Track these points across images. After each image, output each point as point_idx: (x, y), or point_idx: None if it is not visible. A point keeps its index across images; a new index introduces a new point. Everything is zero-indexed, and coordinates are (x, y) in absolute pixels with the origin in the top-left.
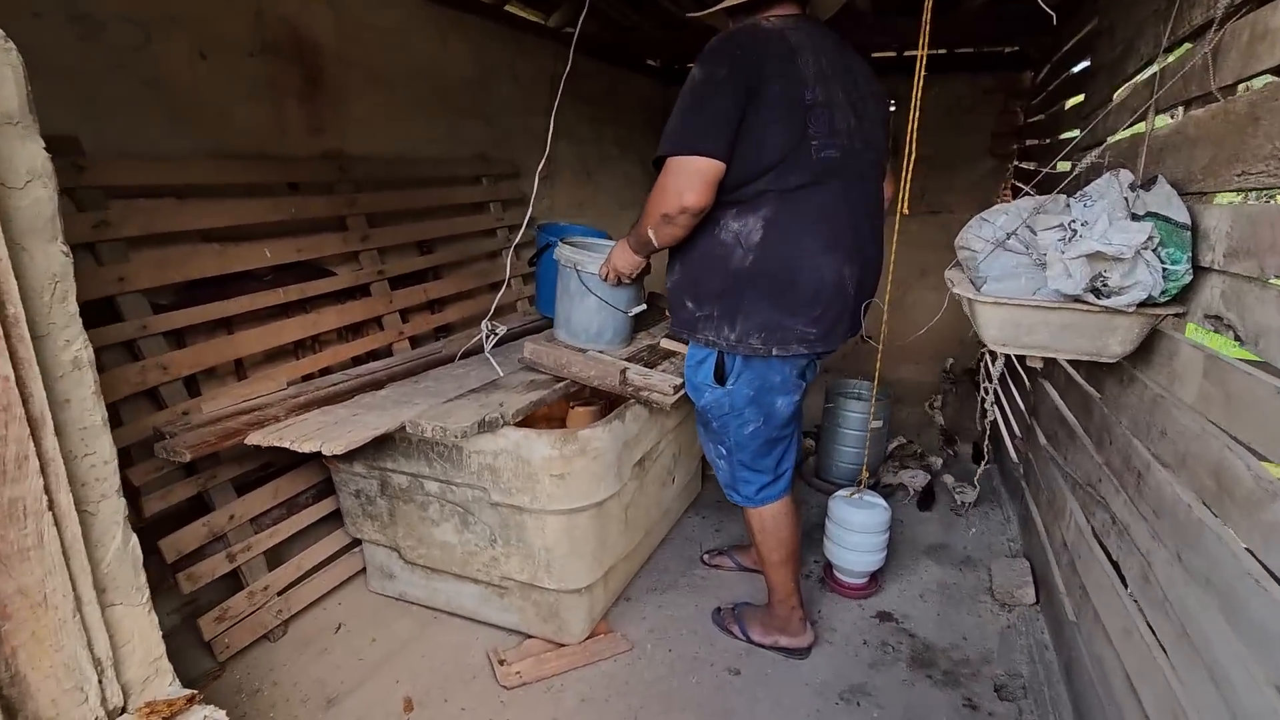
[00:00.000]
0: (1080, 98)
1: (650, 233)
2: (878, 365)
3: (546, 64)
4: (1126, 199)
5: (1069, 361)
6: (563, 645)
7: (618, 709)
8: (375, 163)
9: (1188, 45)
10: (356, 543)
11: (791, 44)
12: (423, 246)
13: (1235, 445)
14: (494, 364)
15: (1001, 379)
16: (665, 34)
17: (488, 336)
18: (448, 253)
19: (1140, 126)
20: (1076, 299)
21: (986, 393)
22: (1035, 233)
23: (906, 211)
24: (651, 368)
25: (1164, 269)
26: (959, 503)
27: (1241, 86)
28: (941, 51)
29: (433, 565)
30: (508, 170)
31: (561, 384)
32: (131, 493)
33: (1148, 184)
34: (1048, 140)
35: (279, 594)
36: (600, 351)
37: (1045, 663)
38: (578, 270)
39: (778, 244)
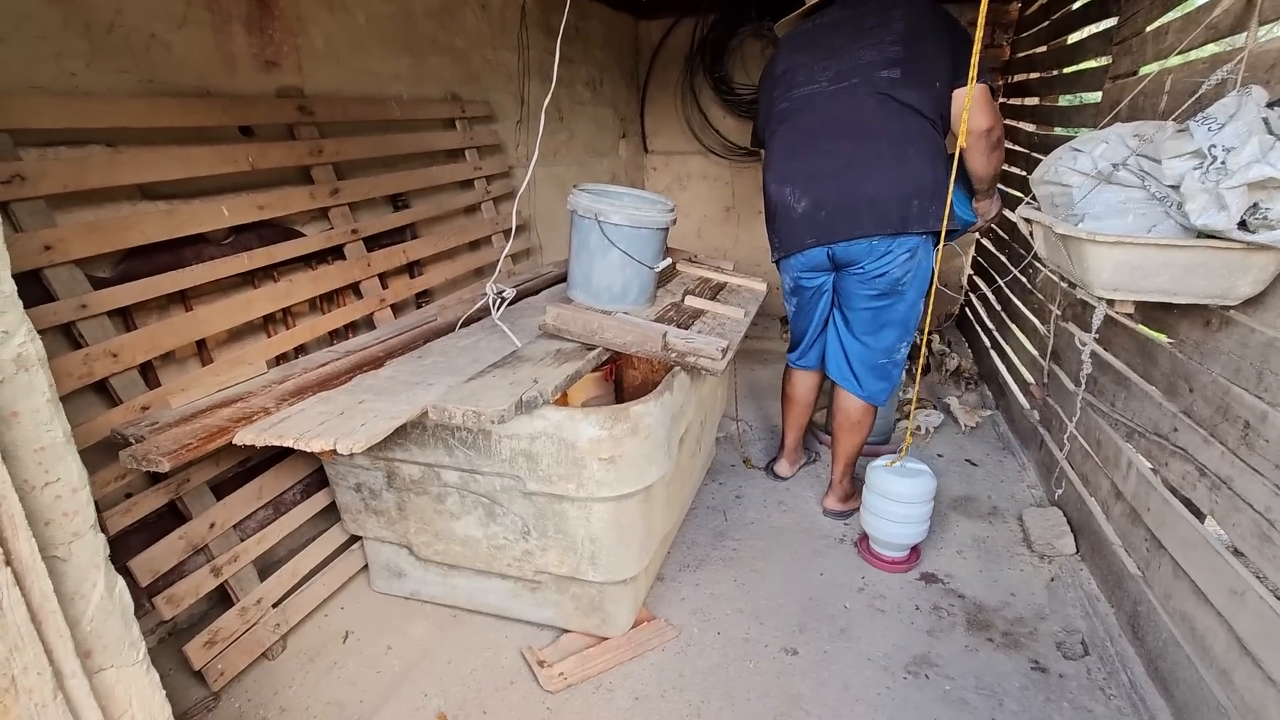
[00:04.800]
0: (1110, 22)
1: None
2: None
3: None
4: (1266, 120)
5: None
6: (605, 639)
7: (677, 707)
8: (339, 103)
9: None
10: (355, 540)
11: (780, 43)
12: (396, 201)
13: None
14: (507, 331)
15: (999, 322)
16: None
17: (494, 301)
18: (424, 207)
19: (1216, 46)
20: (1212, 236)
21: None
22: (1160, 161)
23: (964, 145)
24: (685, 329)
25: None
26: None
27: None
28: None
29: (452, 562)
30: (483, 113)
31: (593, 352)
32: None
33: None
34: (1054, 72)
35: (274, 606)
36: (626, 313)
37: (1101, 616)
38: (599, 220)
39: (764, 178)
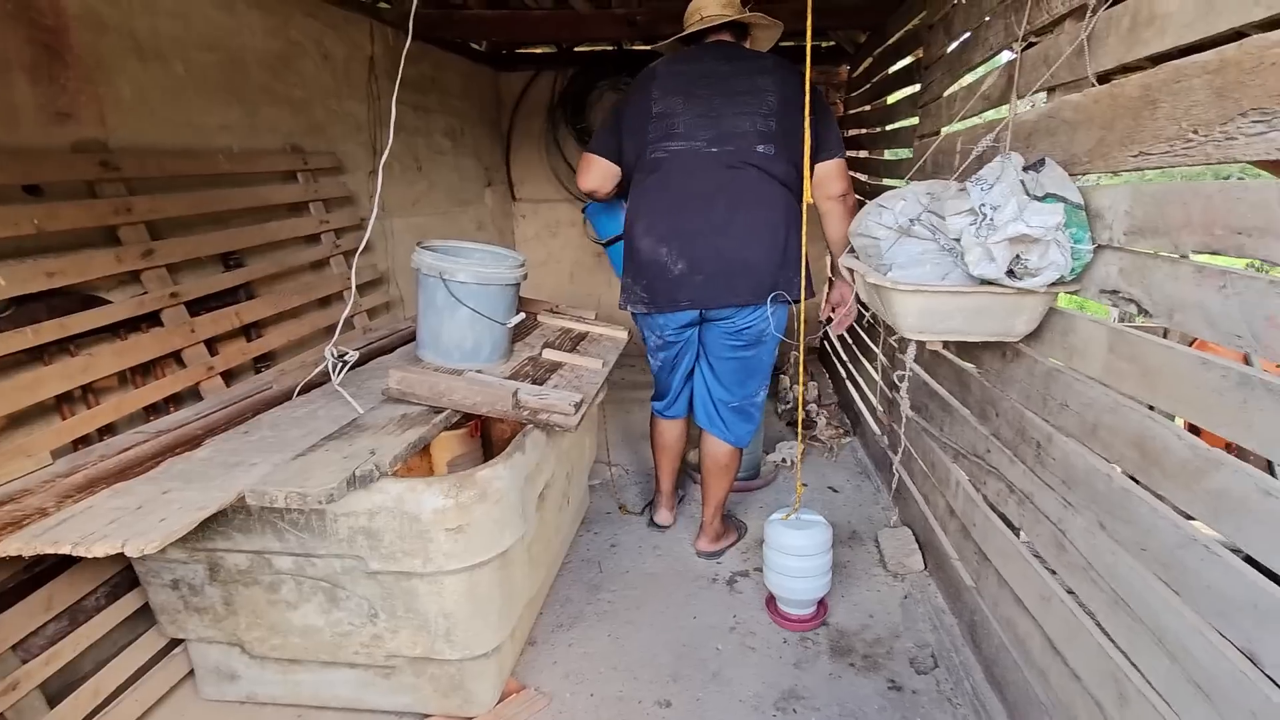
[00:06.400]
0: (916, 88)
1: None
2: None
3: (361, 41)
4: (1023, 182)
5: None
6: (470, 719)
7: None
8: (153, 157)
9: (1048, 34)
10: (177, 643)
11: (656, 72)
12: (228, 260)
13: (1159, 417)
14: (348, 399)
15: (853, 354)
16: (496, 13)
17: (334, 365)
18: (261, 265)
19: (995, 112)
20: (990, 283)
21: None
22: (944, 218)
23: (810, 200)
24: (540, 384)
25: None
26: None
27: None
28: None
29: (292, 656)
30: (328, 164)
31: (441, 415)
32: None
33: (1036, 166)
34: (879, 129)
35: None
36: (479, 371)
37: (946, 628)
38: (444, 279)
39: (630, 225)
